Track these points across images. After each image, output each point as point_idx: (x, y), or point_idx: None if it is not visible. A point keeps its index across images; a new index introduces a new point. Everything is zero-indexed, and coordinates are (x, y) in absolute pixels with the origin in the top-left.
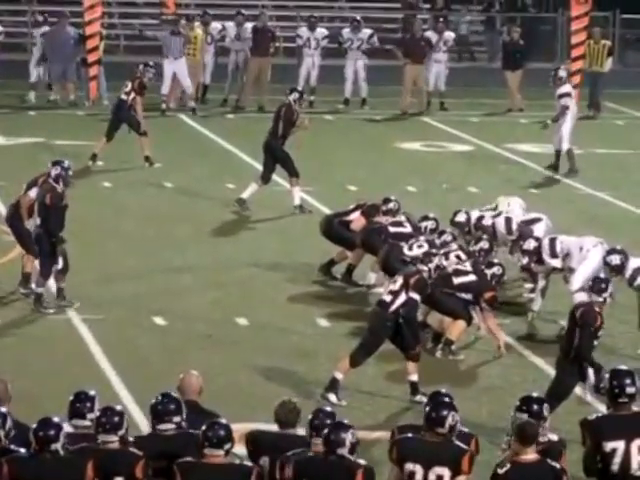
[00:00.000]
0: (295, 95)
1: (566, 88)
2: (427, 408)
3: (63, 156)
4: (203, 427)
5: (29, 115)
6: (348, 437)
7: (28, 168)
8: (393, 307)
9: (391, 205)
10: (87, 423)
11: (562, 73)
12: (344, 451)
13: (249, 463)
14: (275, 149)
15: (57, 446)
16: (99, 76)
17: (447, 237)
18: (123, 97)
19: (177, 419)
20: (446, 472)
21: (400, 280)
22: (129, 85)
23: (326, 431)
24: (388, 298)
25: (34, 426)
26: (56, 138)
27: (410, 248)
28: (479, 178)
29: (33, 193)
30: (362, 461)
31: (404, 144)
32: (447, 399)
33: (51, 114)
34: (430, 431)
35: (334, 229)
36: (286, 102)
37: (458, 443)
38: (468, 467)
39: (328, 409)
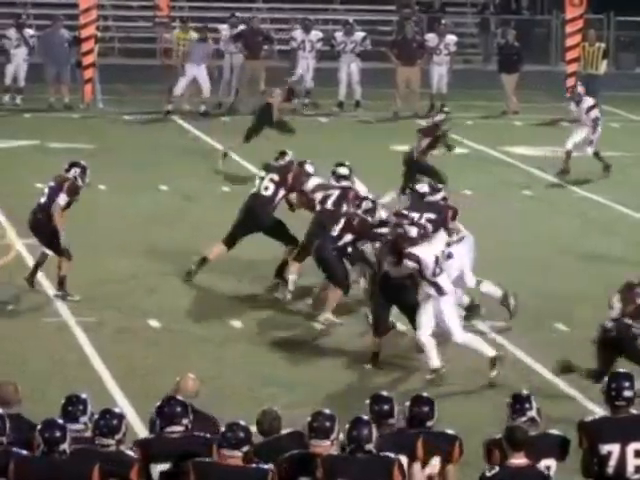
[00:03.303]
0: None
1: (590, 101)
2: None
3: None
4: (222, 428)
5: (24, 118)
6: (373, 432)
7: (24, 171)
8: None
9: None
10: (80, 426)
11: (580, 88)
12: (371, 447)
13: (265, 465)
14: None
15: (64, 447)
16: (94, 79)
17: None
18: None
19: (185, 421)
20: None
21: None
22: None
23: (349, 428)
24: None
25: (39, 427)
26: (51, 141)
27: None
28: (474, 180)
29: (62, 200)
30: (392, 454)
31: (399, 146)
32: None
33: (46, 117)
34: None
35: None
36: None
37: (387, 454)
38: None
39: (327, 412)
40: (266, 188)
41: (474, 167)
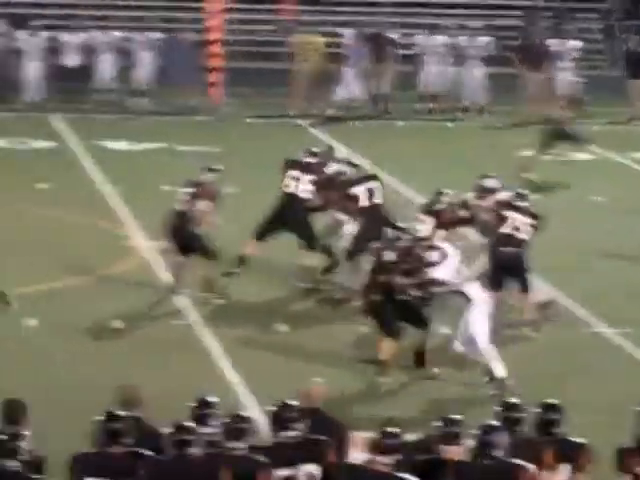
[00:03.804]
0: None
1: None
2: None
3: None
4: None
5: (149, 120)
6: (504, 438)
7: (151, 173)
8: None
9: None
10: (209, 430)
11: None
12: (500, 453)
13: (406, 475)
14: None
15: (195, 450)
16: (220, 82)
17: None
18: None
19: (298, 426)
20: None
21: None
22: None
23: (480, 434)
24: None
25: (170, 431)
26: (178, 143)
27: None
28: (601, 187)
29: (203, 205)
30: (520, 461)
31: (525, 152)
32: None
33: (171, 119)
34: None
35: None
36: None
37: (515, 461)
38: None
39: (456, 417)
40: (298, 187)
41: (601, 174)
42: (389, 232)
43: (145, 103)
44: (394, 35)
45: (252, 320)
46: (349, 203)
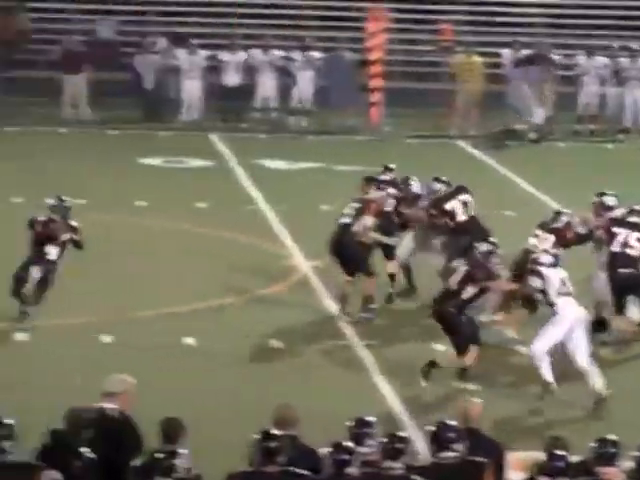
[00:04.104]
0: None
1: None
2: None
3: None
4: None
5: (307, 139)
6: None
7: (309, 193)
8: None
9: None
10: (367, 450)
11: None
12: None
13: None
14: None
15: (352, 469)
16: (379, 102)
17: None
18: None
19: (458, 447)
20: None
21: None
22: None
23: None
24: None
25: (328, 450)
26: (336, 163)
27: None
28: None
29: (370, 221)
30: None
31: None
32: None
33: (329, 139)
34: None
35: None
36: None
37: None
38: None
39: (613, 438)
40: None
41: None
42: (483, 245)
43: (304, 122)
44: (554, 56)
45: (410, 339)
46: (445, 218)
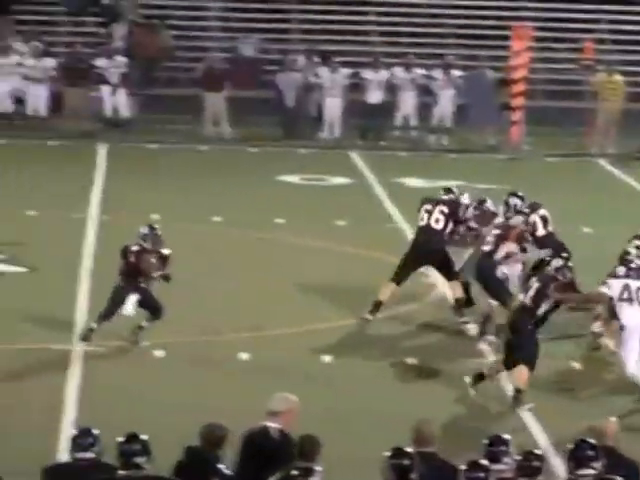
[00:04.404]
0: None
1: None
2: None
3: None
4: None
5: (447, 158)
6: None
7: None
8: None
9: None
10: (502, 467)
11: None
12: None
13: None
14: None
15: None
16: (520, 121)
17: None
18: None
19: (596, 465)
20: None
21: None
22: None
23: None
24: None
25: (464, 468)
26: (476, 181)
27: None
28: None
29: (509, 247)
30: None
31: None
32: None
33: (469, 157)
34: None
35: None
36: None
37: None
38: None
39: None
40: (437, 220)
41: None
42: (556, 261)
43: (444, 141)
44: None
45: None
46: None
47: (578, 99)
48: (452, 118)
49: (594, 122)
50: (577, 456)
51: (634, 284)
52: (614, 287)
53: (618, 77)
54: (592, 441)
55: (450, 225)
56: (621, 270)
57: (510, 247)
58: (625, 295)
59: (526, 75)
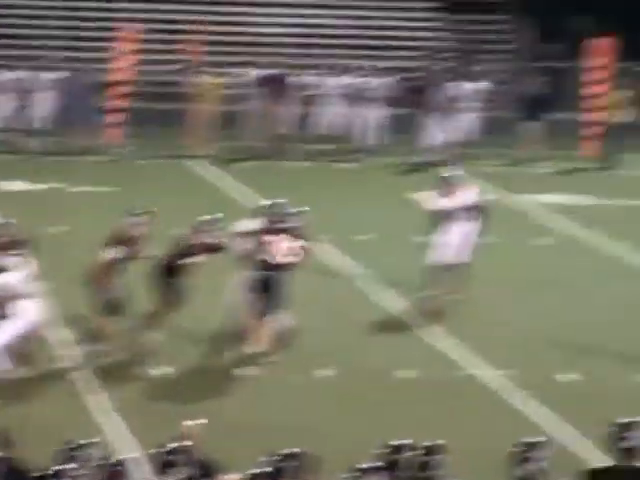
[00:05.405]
0: None
1: None
2: None
3: None
4: None
5: (47, 160)
6: None
7: None
8: None
9: None
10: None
11: None
12: None
13: None
14: None
15: None
16: (121, 122)
17: None
18: None
19: (184, 469)
20: None
21: None
22: None
23: None
24: None
25: None
26: (75, 184)
27: None
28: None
29: None
30: None
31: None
32: None
33: (68, 160)
34: None
35: None
36: None
37: None
38: None
39: None
40: None
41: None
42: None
43: (42, 143)
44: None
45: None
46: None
47: (180, 101)
48: (50, 120)
49: (194, 123)
50: (163, 461)
51: None
52: None
53: (219, 80)
54: (177, 445)
55: None
56: None
57: None
58: None
59: (130, 77)
